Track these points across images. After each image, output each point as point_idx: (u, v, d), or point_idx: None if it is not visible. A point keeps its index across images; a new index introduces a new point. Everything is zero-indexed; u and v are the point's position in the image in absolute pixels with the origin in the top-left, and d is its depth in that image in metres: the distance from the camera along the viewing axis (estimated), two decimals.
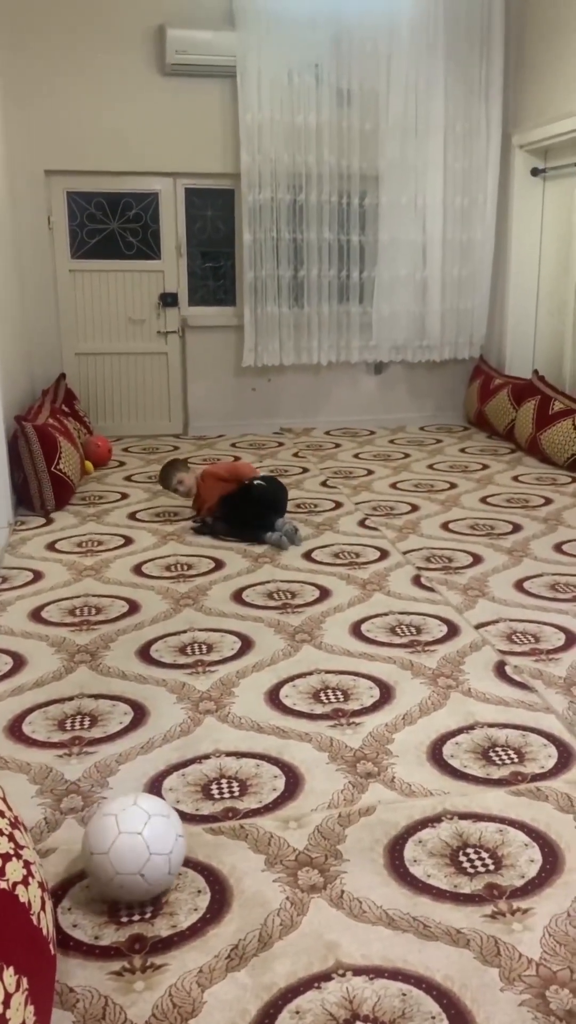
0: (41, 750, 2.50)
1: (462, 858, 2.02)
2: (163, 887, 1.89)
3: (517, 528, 4.49)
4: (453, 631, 3.26)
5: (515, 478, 5.52)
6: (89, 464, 5.75)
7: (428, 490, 5.26)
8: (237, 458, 6.01)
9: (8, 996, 1.34)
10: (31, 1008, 1.41)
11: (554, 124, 6.12)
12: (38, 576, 3.91)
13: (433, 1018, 1.59)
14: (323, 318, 6.88)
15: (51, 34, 6.16)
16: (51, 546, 4.32)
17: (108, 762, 2.43)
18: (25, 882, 1.53)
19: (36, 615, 3.48)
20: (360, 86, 6.49)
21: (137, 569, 3.98)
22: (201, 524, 4.54)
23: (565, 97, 5.99)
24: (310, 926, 1.82)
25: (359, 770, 2.37)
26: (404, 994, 1.65)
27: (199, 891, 1.93)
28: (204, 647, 3.16)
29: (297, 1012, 1.61)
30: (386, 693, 2.80)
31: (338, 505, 4.97)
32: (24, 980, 1.40)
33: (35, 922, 1.53)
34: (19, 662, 3.07)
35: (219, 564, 4.04)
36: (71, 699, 2.80)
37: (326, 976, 1.69)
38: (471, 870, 1.98)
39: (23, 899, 1.50)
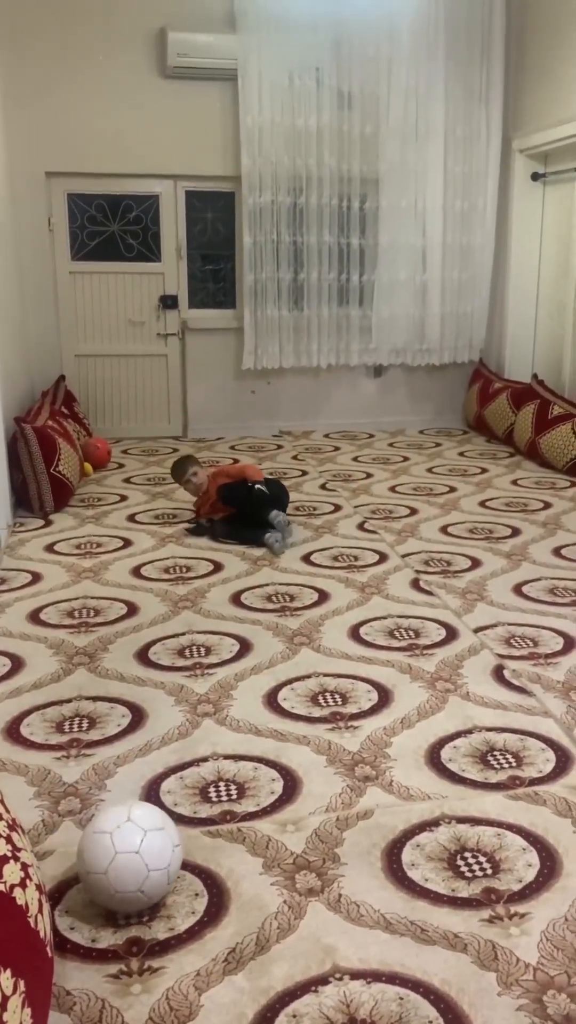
0: (39, 752, 2.50)
1: (460, 862, 2.02)
2: (163, 896, 1.89)
3: (516, 532, 4.49)
4: (452, 635, 3.26)
5: (514, 482, 5.52)
6: (88, 466, 5.75)
7: (427, 494, 5.26)
8: (235, 460, 6.01)
9: (5, 999, 1.34)
10: (28, 1011, 1.41)
11: (554, 129, 6.13)
12: (37, 578, 3.91)
13: (430, 1022, 1.59)
14: (323, 321, 6.89)
15: (53, 36, 6.16)
16: (50, 548, 4.32)
17: (106, 764, 2.43)
18: (23, 884, 1.53)
19: (35, 617, 3.48)
20: (360, 89, 6.51)
21: (136, 571, 3.98)
22: (196, 526, 4.54)
23: (565, 102, 6.00)
24: (307, 930, 1.82)
25: (357, 773, 2.37)
26: (401, 998, 1.65)
27: (196, 894, 1.93)
28: (202, 650, 3.16)
29: (294, 1016, 1.61)
30: (384, 696, 2.80)
31: (337, 508, 4.97)
32: (21, 983, 1.40)
33: (32, 924, 1.53)
34: (17, 664, 3.06)
35: (218, 567, 4.04)
36: (69, 701, 2.79)
37: (323, 980, 1.69)
38: (469, 874, 1.98)
39: (20, 901, 1.50)
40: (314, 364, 6.98)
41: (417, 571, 3.93)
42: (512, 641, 3.19)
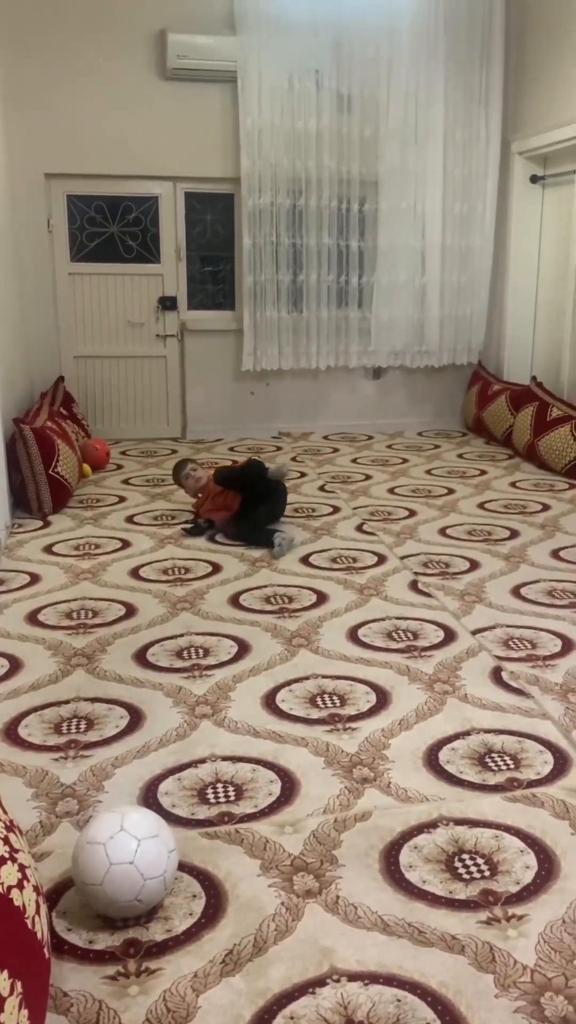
0: (37, 753, 2.50)
1: (457, 864, 2.02)
2: (160, 901, 1.89)
3: (515, 534, 4.49)
4: (450, 636, 3.26)
5: (513, 484, 5.53)
6: (87, 467, 5.75)
7: (426, 495, 5.27)
8: (234, 462, 6.00)
9: (2, 1000, 1.34)
10: (25, 1012, 1.40)
11: (553, 131, 6.14)
12: (35, 579, 3.91)
13: None
14: (322, 323, 6.89)
15: (53, 38, 6.17)
16: (48, 549, 4.32)
17: (104, 766, 2.43)
18: (20, 886, 1.53)
19: (33, 618, 3.47)
20: (360, 92, 6.51)
21: (134, 572, 3.98)
22: (194, 526, 4.54)
23: (565, 104, 6.01)
24: (305, 931, 1.82)
25: (355, 775, 2.37)
26: (399, 1000, 1.65)
27: (194, 896, 1.93)
28: (201, 651, 3.16)
29: (292, 1018, 1.61)
30: (383, 698, 2.80)
31: (336, 510, 4.97)
32: (18, 984, 1.40)
33: (30, 926, 1.53)
34: (15, 665, 3.06)
35: (216, 568, 4.04)
36: (67, 702, 2.79)
37: (321, 981, 1.69)
38: (466, 876, 1.98)
39: (18, 903, 1.50)
40: (313, 366, 6.99)
41: (416, 573, 3.93)
42: (510, 643, 3.19)
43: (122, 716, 2.70)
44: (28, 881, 1.58)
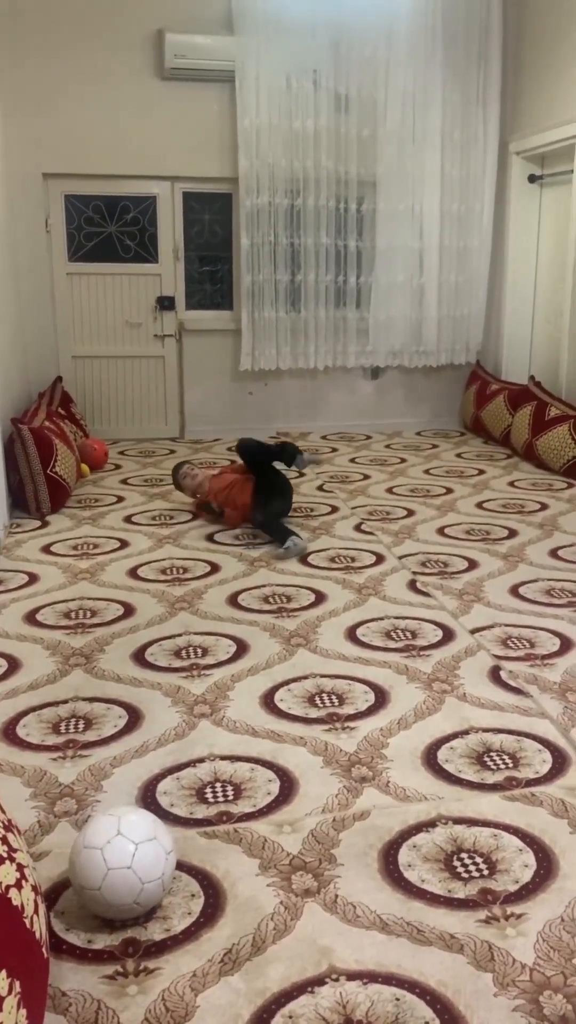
0: (35, 753, 2.50)
1: (456, 863, 2.02)
2: (158, 902, 1.88)
3: (513, 533, 4.49)
4: (448, 636, 3.26)
5: (511, 483, 5.53)
6: (85, 467, 5.74)
7: (424, 495, 5.27)
8: (232, 462, 6.01)
9: (1, 999, 1.33)
10: (23, 1011, 1.40)
11: (551, 131, 6.15)
12: (33, 579, 3.91)
13: (426, 1023, 1.59)
14: (320, 323, 6.89)
15: (50, 38, 6.17)
16: (46, 549, 4.32)
17: (102, 765, 2.43)
18: (18, 885, 1.53)
19: (31, 618, 3.47)
20: (358, 92, 6.51)
21: (132, 572, 3.98)
22: (207, 506, 4.57)
23: (562, 104, 6.01)
24: (304, 931, 1.82)
25: (354, 774, 2.37)
26: (398, 999, 1.64)
27: (193, 895, 1.93)
28: (199, 651, 3.16)
29: (290, 1017, 1.61)
30: (381, 697, 2.80)
31: (334, 509, 4.97)
32: (17, 983, 1.40)
33: (28, 925, 1.52)
34: (14, 665, 3.06)
35: (215, 568, 4.03)
36: (65, 702, 2.79)
37: (319, 981, 1.69)
38: (465, 875, 1.98)
39: (16, 902, 1.50)
40: (311, 366, 6.99)
41: (414, 572, 3.93)
42: (509, 642, 3.19)
43: (120, 716, 2.70)
44: (26, 881, 1.58)
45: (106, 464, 6.10)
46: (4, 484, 4.68)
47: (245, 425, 7.08)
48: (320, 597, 3.66)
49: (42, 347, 6.57)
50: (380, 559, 4.12)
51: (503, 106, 6.72)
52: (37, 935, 1.56)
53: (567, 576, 3.86)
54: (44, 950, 1.60)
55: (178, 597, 3.67)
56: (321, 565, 4.05)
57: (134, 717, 2.69)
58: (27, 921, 1.52)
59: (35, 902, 1.60)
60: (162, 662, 3.07)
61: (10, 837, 1.62)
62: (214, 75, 6.33)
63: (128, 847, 1.80)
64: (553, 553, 4.17)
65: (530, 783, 2.33)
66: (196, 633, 3.31)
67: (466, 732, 2.58)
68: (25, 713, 2.72)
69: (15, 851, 1.60)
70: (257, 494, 4.54)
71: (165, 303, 6.84)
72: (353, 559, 4.13)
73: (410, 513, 4.88)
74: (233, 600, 3.64)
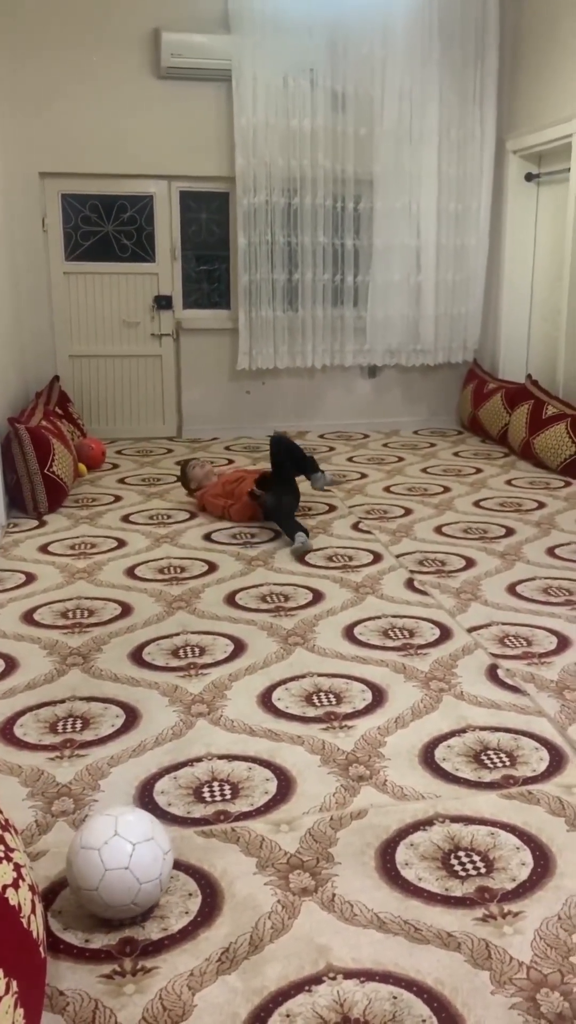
0: (32, 753, 2.49)
1: (453, 861, 2.02)
2: (156, 901, 1.89)
3: (510, 532, 4.49)
4: (446, 634, 3.26)
5: (508, 482, 5.53)
6: (82, 466, 5.74)
7: (422, 494, 5.27)
8: (230, 461, 6.01)
9: None
10: (20, 1011, 1.40)
11: (548, 129, 6.15)
12: (30, 578, 3.90)
13: (424, 1021, 1.59)
14: (317, 322, 6.89)
15: (46, 37, 6.16)
16: (44, 548, 4.31)
17: (100, 765, 2.43)
18: (15, 885, 1.53)
19: (28, 617, 3.47)
20: (355, 91, 6.51)
21: (130, 572, 3.98)
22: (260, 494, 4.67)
23: (559, 102, 6.02)
24: (301, 929, 1.82)
25: (351, 773, 2.37)
26: (395, 997, 1.65)
27: (190, 894, 1.93)
28: (197, 650, 3.16)
29: (288, 1015, 1.61)
30: (378, 696, 2.80)
31: (332, 508, 4.97)
32: (14, 983, 1.40)
33: (25, 925, 1.52)
34: (11, 664, 3.06)
35: (212, 567, 4.03)
36: (63, 702, 2.79)
37: (317, 979, 1.69)
38: (462, 873, 1.98)
39: (13, 902, 1.50)
40: (309, 365, 6.99)
41: (411, 571, 3.93)
42: (506, 641, 3.20)
43: (118, 715, 2.70)
44: (24, 880, 1.58)
45: (103, 463, 6.10)
46: (1, 484, 4.68)
47: (243, 424, 7.09)
48: (318, 596, 3.66)
49: (39, 346, 6.56)
50: (378, 558, 4.12)
51: (500, 104, 6.72)
52: (34, 934, 1.57)
53: (564, 574, 3.86)
54: (41, 949, 1.60)
55: (176, 596, 3.67)
56: (319, 564, 4.05)
57: (131, 716, 2.69)
58: (24, 921, 1.52)
59: (32, 902, 1.60)
60: (159, 661, 3.07)
61: (7, 837, 1.62)
62: (211, 74, 6.33)
63: (125, 847, 1.80)
64: (550, 551, 4.18)
65: (527, 781, 2.33)
66: (193, 632, 3.31)
67: (463, 731, 2.59)
68: (22, 713, 2.72)
69: (12, 851, 1.60)
70: (271, 484, 4.61)
71: (162, 302, 6.84)
72: (351, 558, 4.13)
73: (408, 512, 4.88)
74: (231, 599, 3.64)
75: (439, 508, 4.95)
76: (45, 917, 1.84)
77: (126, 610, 3.53)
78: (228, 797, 2.27)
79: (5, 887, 1.49)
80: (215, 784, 2.33)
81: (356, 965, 1.72)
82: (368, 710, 2.71)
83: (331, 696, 2.81)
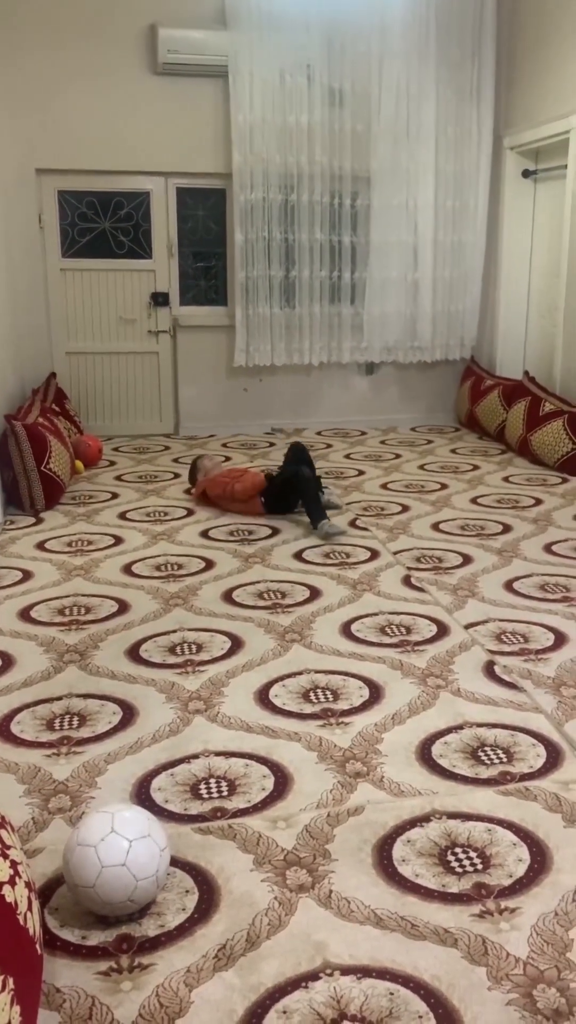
0: (29, 750, 2.49)
1: (450, 858, 2.02)
2: (153, 898, 1.88)
3: (507, 529, 4.49)
4: (443, 631, 3.27)
5: (505, 479, 5.53)
6: (79, 464, 5.73)
7: (419, 491, 5.27)
8: (227, 458, 6.01)
9: None
10: (17, 1008, 1.40)
11: (545, 126, 6.14)
12: (27, 576, 3.90)
13: (420, 1017, 1.59)
14: (314, 319, 6.88)
15: (43, 33, 6.14)
16: (40, 545, 4.31)
17: (97, 762, 2.42)
18: (12, 882, 1.53)
19: (25, 615, 3.47)
20: (352, 87, 6.50)
21: (127, 569, 3.97)
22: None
23: (556, 99, 6.01)
24: (298, 926, 1.82)
25: (348, 770, 2.37)
26: (392, 993, 1.65)
27: (187, 891, 1.93)
28: (194, 647, 3.16)
29: (284, 1012, 1.61)
30: (376, 693, 2.80)
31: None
32: (10, 980, 1.40)
33: (21, 922, 1.52)
34: (8, 662, 3.05)
35: (209, 564, 4.03)
36: (60, 699, 2.79)
37: (314, 976, 1.69)
38: (459, 869, 1.98)
39: (9, 899, 1.50)
40: (306, 362, 6.98)
41: (409, 568, 3.93)
42: (503, 637, 3.20)
43: (115, 712, 2.69)
44: (20, 877, 1.58)
45: (100, 460, 6.09)
46: None
47: (240, 421, 7.08)
48: (315, 593, 3.66)
49: (36, 343, 6.55)
50: (375, 555, 4.12)
51: (497, 101, 6.71)
52: (31, 932, 1.56)
53: (561, 571, 3.86)
54: (38, 946, 1.60)
55: (173, 593, 3.67)
56: (316, 561, 4.05)
57: (128, 713, 2.69)
58: (21, 918, 1.52)
59: (29, 899, 1.60)
60: (156, 658, 3.07)
61: (4, 833, 1.62)
62: (207, 70, 6.32)
63: (122, 844, 1.80)
64: (547, 548, 4.18)
65: (524, 778, 2.33)
66: (190, 629, 3.31)
67: (460, 727, 2.59)
68: (19, 710, 2.72)
69: (9, 848, 1.60)
70: (284, 486, 4.67)
71: (159, 299, 6.83)
72: (348, 555, 4.13)
73: (405, 509, 4.88)
74: (228, 596, 3.64)
75: (436, 505, 4.95)
76: (42, 914, 1.84)
77: (123, 607, 3.53)
78: (225, 794, 2.27)
79: (1, 884, 1.49)
80: (212, 781, 2.33)
81: (353, 961, 1.73)
82: (365, 707, 2.71)
83: (328, 693, 2.81)
